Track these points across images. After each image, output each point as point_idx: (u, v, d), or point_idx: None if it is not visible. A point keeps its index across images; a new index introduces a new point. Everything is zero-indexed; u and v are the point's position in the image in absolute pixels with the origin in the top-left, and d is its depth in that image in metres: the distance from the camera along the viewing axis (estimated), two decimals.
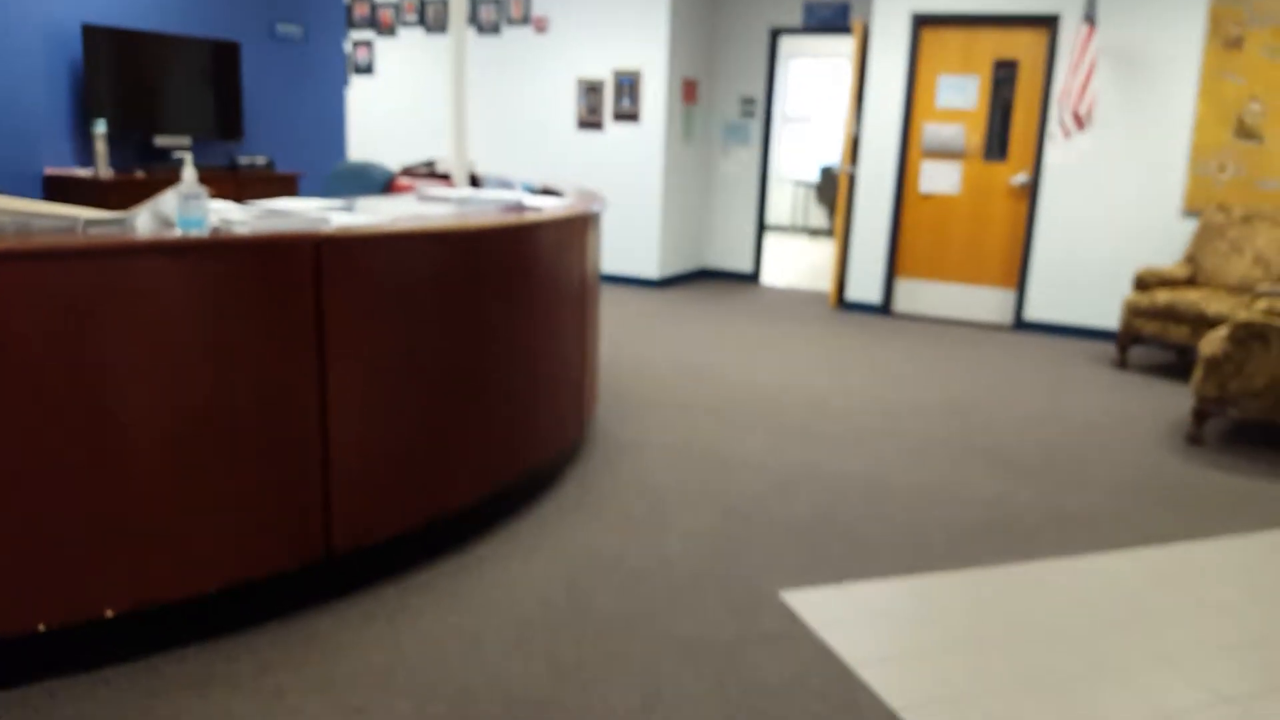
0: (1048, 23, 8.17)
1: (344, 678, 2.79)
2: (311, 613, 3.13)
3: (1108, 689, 2.93)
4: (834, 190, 13.94)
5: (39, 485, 2.52)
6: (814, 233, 15.81)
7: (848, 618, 3.30)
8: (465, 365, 3.59)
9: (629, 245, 9.93)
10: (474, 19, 10.28)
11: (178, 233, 2.75)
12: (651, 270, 9.98)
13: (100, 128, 5.97)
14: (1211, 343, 5.32)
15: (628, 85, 9.74)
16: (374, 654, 2.92)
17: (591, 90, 9.91)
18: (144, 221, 2.86)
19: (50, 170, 6.01)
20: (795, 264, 12.44)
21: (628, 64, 9.73)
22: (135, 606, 2.75)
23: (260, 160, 6.96)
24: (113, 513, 2.65)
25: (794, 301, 9.67)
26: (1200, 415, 5.36)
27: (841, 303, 9.36)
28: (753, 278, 10.82)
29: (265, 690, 2.70)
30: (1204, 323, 6.63)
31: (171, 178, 5.94)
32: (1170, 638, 3.26)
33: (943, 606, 3.42)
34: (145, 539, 2.72)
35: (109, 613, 2.70)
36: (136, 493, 2.68)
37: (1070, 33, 7.98)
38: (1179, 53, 7.75)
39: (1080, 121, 7.68)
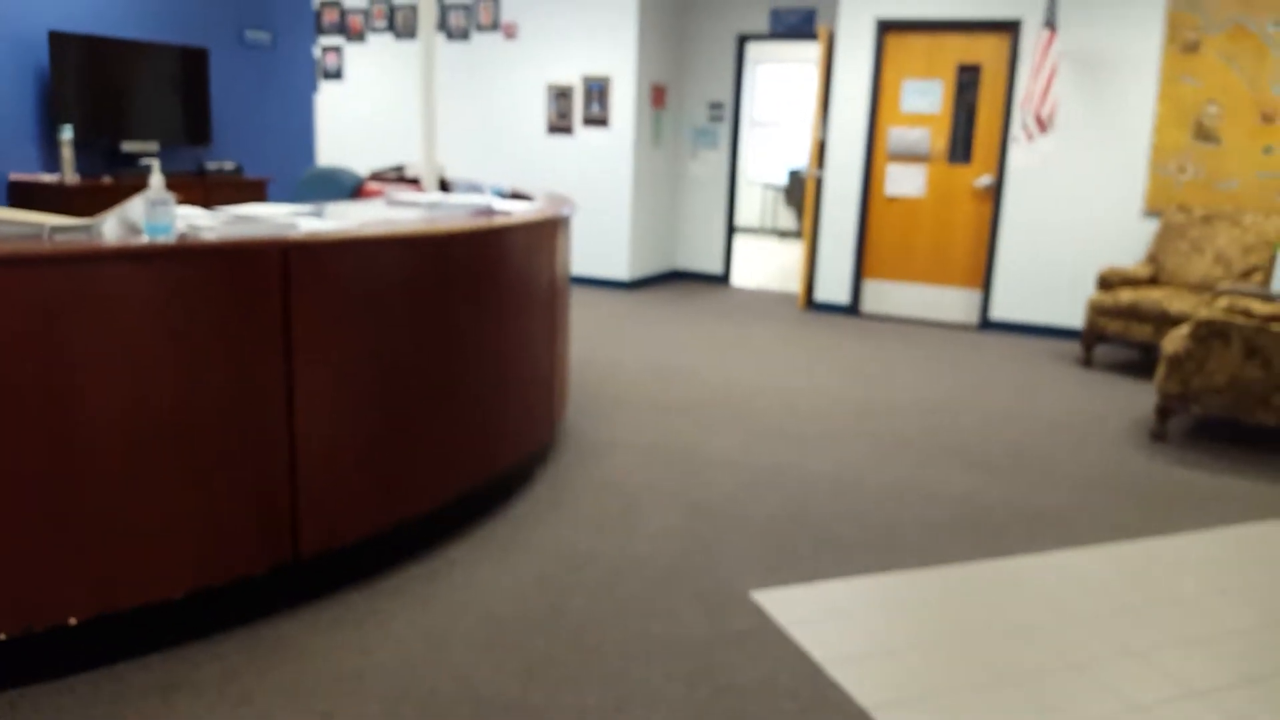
0: (1010, 28, 8.20)
1: (311, 682, 2.74)
2: (279, 618, 3.08)
3: (1077, 684, 2.92)
4: (802, 193, 13.97)
5: (1, 491, 2.46)
6: (783, 234, 15.83)
7: (818, 616, 3.27)
8: (434, 368, 3.55)
9: (599, 247, 9.90)
10: (443, 25, 10.22)
11: (145, 239, 2.69)
12: (622, 272, 9.95)
13: (66, 134, 5.88)
14: (1174, 341, 5.34)
15: (597, 90, 9.71)
16: (342, 658, 2.87)
17: (561, 95, 9.87)
18: (111, 228, 2.81)
19: (15, 176, 5.91)
20: (764, 265, 12.44)
21: (597, 70, 9.70)
22: (100, 613, 2.69)
23: (228, 165, 6.89)
24: (77, 518, 2.59)
25: (764, 302, 9.67)
26: (1164, 412, 5.38)
27: (810, 303, 9.36)
28: (723, 279, 10.81)
29: (231, 696, 2.65)
30: (1167, 321, 6.66)
31: (138, 183, 5.88)
32: (1138, 632, 3.26)
33: (912, 604, 3.40)
34: (111, 545, 2.66)
35: (72, 620, 2.64)
36: (102, 499, 2.62)
37: (1032, 37, 8.01)
38: (1138, 57, 7.80)
39: (1043, 124, 7.71)
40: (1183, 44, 7.61)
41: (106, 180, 6.11)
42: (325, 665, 2.83)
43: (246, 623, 3.02)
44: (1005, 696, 2.84)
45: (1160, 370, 5.36)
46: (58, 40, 6.00)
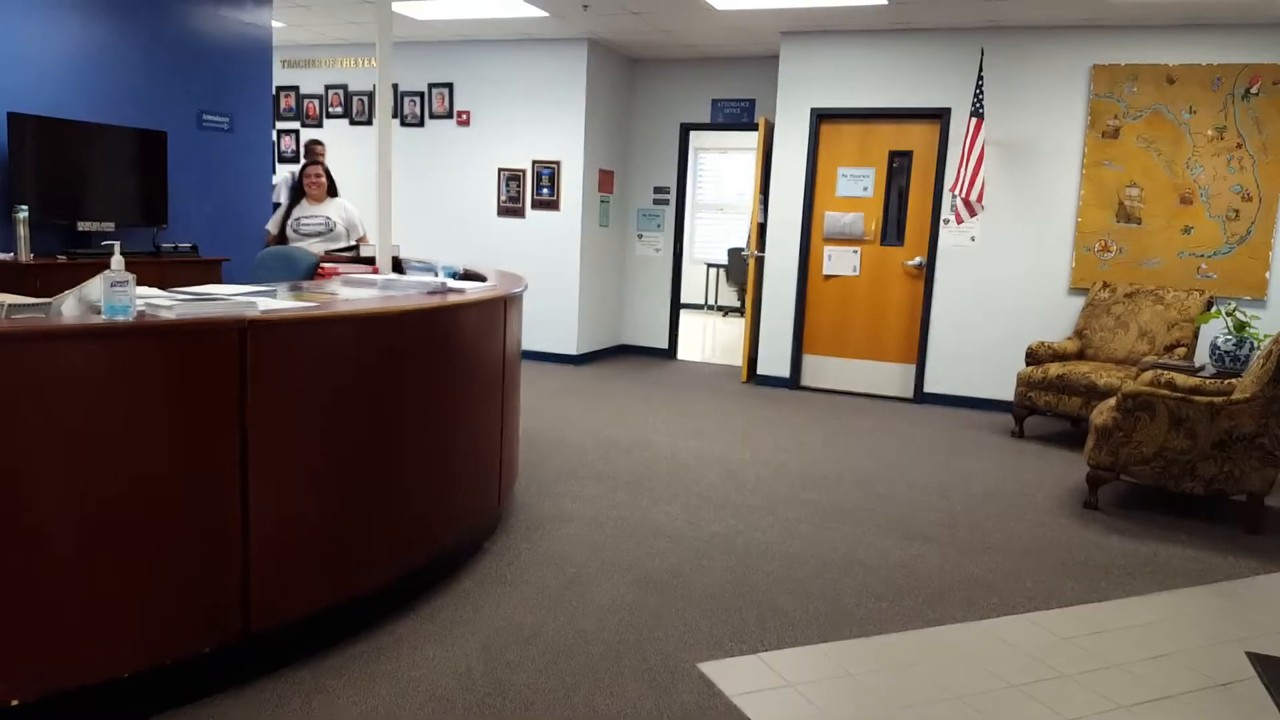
0: (938, 116, 8.39)
1: None
2: (225, 696, 2.96)
3: None
4: (742, 270, 14.09)
5: None
6: (725, 311, 15.95)
7: (765, 688, 3.22)
8: (387, 445, 3.49)
9: (549, 323, 9.90)
10: (399, 112, 10.27)
11: (103, 318, 2.64)
12: (570, 346, 9.95)
13: (22, 213, 5.79)
14: (1102, 413, 5.40)
15: (547, 175, 9.79)
16: None
17: (512, 179, 9.93)
18: (69, 307, 2.75)
19: None
20: (708, 340, 12.49)
21: (547, 155, 9.79)
22: (45, 694, 2.58)
23: (184, 245, 6.81)
24: (22, 597, 2.49)
25: (707, 375, 9.69)
26: (1094, 482, 5.42)
27: (752, 377, 9.39)
28: (668, 353, 10.83)
29: None
30: (1095, 393, 6.74)
31: (93, 262, 5.78)
32: (1075, 699, 3.23)
33: (856, 674, 3.36)
34: (57, 624, 2.56)
35: (14, 701, 2.53)
36: (50, 578, 2.53)
37: (960, 125, 8.19)
38: (1062, 142, 8.00)
39: (971, 208, 7.86)
40: (1104, 130, 7.81)
41: (61, 259, 6.01)
42: None
43: (193, 700, 2.91)
44: None
45: (1090, 441, 5.42)
46: (16, 121, 5.93)
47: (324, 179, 7.25)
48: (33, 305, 2.62)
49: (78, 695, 2.65)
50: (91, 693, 2.68)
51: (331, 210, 7.25)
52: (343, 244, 7.14)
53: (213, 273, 6.86)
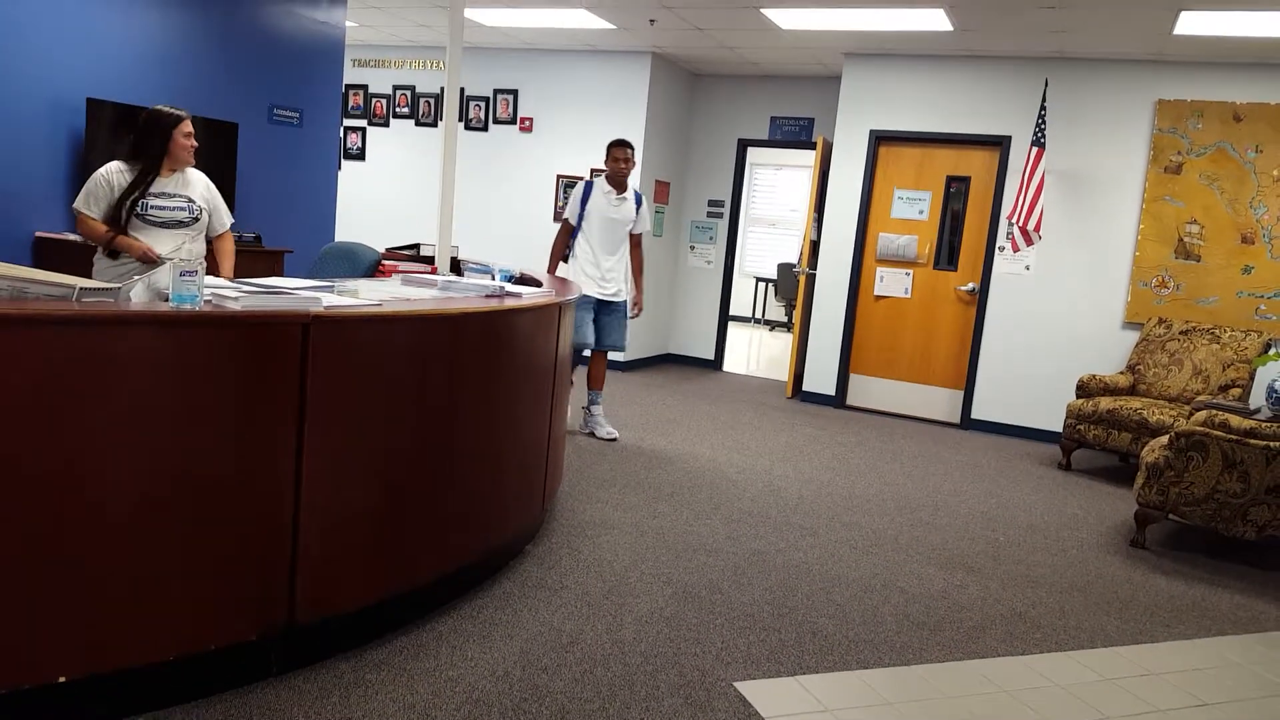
0: (998, 143, 8.27)
1: None
2: (266, 684, 2.95)
3: None
4: (791, 286, 13.99)
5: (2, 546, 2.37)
6: (772, 325, 15.86)
7: (800, 711, 3.15)
8: (439, 444, 3.47)
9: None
10: (463, 116, 10.29)
11: (171, 306, 2.64)
12: (618, 353, 9.91)
13: None
14: (1153, 450, 5.27)
15: None
16: None
17: (570, 186, 9.91)
18: (138, 293, 2.76)
19: (41, 233, 5.87)
20: (754, 353, 12.41)
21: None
22: (90, 672, 2.57)
23: (248, 235, 6.85)
24: (75, 577, 2.48)
25: (753, 389, 9.61)
26: (1143, 520, 5.29)
27: (798, 393, 9.30)
28: (714, 364, 10.77)
29: None
30: (1145, 430, 6.59)
31: None
32: None
33: (894, 703, 3.28)
34: (107, 604, 2.56)
35: (61, 678, 2.52)
36: (103, 559, 2.52)
37: (1020, 153, 8.07)
38: (1122, 176, 7.86)
39: (1029, 236, 7.73)
40: (1166, 165, 7.66)
41: None
42: None
43: (235, 687, 2.90)
44: None
45: (1139, 479, 5.29)
46: (95, 106, 6.00)
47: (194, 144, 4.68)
48: (103, 290, 2.62)
49: (123, 675, 2.64)
50: (136, 674, 2.67)
51: (195, 191, 4.70)
52: (201, 241, 4.70)
53: (275, 262, 6.91)
